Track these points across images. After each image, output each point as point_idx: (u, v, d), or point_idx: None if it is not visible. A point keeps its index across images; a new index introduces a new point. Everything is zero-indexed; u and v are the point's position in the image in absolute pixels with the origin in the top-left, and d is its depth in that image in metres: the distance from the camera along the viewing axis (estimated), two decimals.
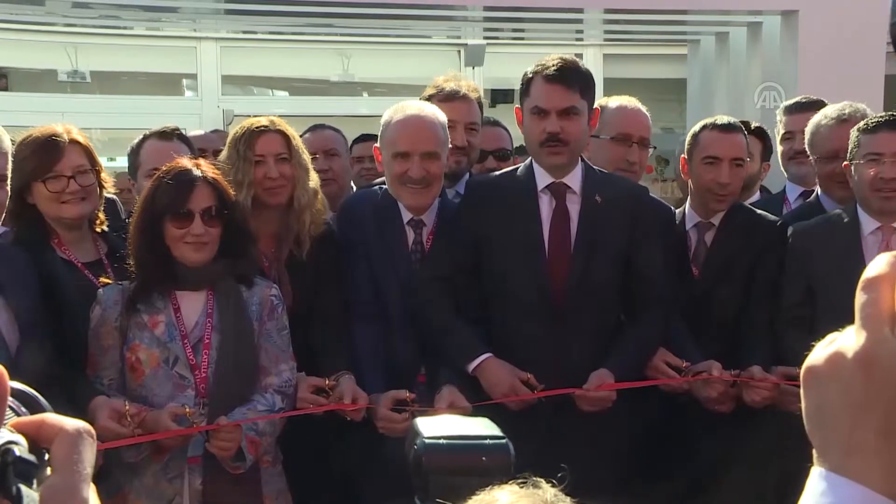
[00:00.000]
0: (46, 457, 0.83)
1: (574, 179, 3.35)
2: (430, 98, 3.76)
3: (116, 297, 2.99)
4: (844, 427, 0.76)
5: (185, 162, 3.08)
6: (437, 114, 3.43)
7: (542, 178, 3.35)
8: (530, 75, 3.35)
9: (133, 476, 2.95)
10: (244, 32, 9.35)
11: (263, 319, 3.10)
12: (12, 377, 2.82)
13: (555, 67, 3.29)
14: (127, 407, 2.82)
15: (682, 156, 3.84)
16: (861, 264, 3.45)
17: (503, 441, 1.50)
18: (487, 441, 1.50)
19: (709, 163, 3.66)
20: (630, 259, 3.39)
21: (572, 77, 3.29)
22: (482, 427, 1.55)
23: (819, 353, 0.79)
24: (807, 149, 4.07)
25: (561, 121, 3.27)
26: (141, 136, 4.01)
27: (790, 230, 3.64)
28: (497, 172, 3.63)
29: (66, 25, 8.68)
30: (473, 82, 4.15)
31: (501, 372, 3.24)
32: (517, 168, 3.49)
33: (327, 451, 3.33)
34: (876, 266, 0.77)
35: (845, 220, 3.60)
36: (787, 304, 3.57)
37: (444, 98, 3.77)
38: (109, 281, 3.06)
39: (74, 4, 7.70)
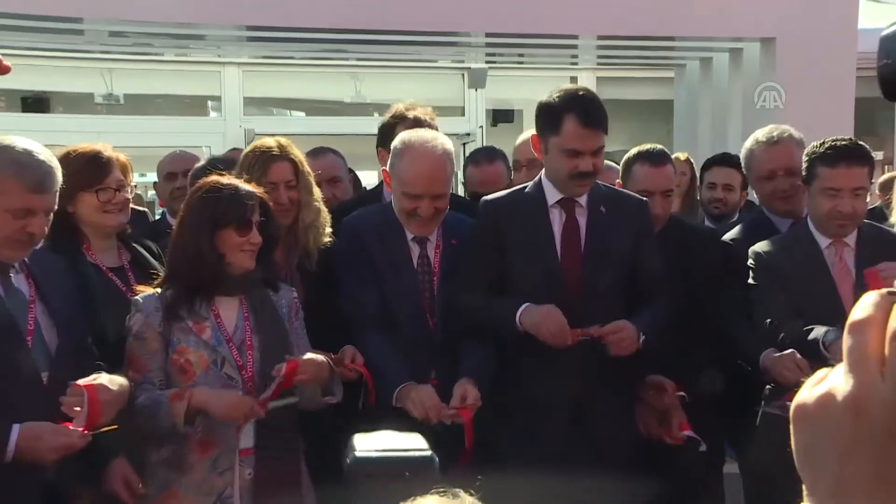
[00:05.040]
0: None
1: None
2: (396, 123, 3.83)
3: (156, 303, 2.99)
4: (833, 469, 0.72)
5: (235, 179, 3.10)
6: (446, 146, 3.43)
7: (552, 195, 3.39)
8: (560, 112, 3.28)
9: (180, 474, 2.94)
10: (264, 58, 9.37)
11: (291, 320, 3.15)
12: (53, 378, 2.79)
13: (590, 111, 3.28)
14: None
15: (618, 180, 3.92)
16: (825, 270, 3.39)
17: (428, 454, 1.51)
18: (413, 454, 1.50)
19: (645, 195, 3.70)
20: (635, 263, 3.42)
21: (603, 118, 3.32)
22: (411, 442, 1.56)
23: (810, 391, 0.74)
24: (744, 171, 4.10)
25: (592, 158, 3.29)
26: (202, 166, 4.05)
27: (753, 249, 3.63)
28: (506, 192, 3.59)
29: (103, 52, 8.71)
30: (430, 110, 4.13)
31: (542, 309, 3.23)
32: (525, 187, 3.48)
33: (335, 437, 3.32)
34: (862, 308, 0.72)
35: (801, 237, 3.59)
36: (780, 311, 3.50)
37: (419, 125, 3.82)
38: (145, 289, 3.06)
39: (111, 33, 7.72)
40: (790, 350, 3.28)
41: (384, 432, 1.80)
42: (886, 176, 5.42)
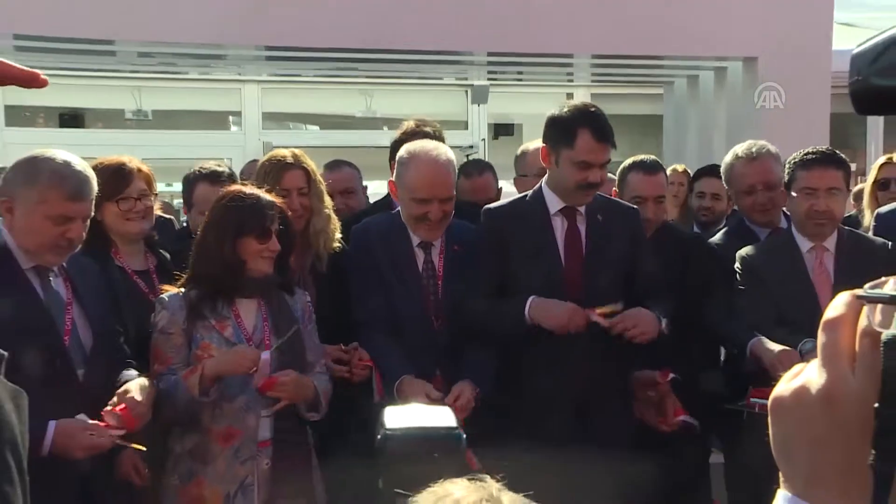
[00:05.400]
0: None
1: None
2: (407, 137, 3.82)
3: (180, 302, 3.02)
4: (807, 459, 0.72)
5: (256, 189, 3.10)
6: (448, 154, 3.44)
7: (554, 204, 3.39)
8: (574, 126, 3.28)
9: (204, 464, 2.95)
10: (282, 75, 9.40)
11: (305, 322, 3.16)
12: (88, 375, 2.78)
13: (602, 127, 3.29)
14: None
15: (614, 189, 3.95)
16: (805, 274, 3.40)
17: (456, 432, 1.47)
18: (442, 432, 1.47)
19: (638, 202, 3.76)
20: (631, 266, 3.44)
21: (612, 134, 3.33)
22: (441, 418, 1.52)
23: (786, 385, 0.75)
24: (724, 184, 4.11)
25: (599, 171, 3.31)
26: (195, 172, 4.03)
27: (740, 254, 3.64)
28: (508, 200, 3.60)
29: (132, 71, 8.75)
30: (438, 125, 4.15)
31: (550, 300, 3.24)
32: (526, 196, 3.48)
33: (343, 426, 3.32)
34: (835, 308, 0.73)
35: (785, 241, 3.60)
36: (764, 317, 3.49)
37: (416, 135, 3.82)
38: (170, 288, 3.07)
39: (140, 54, 7.76)
40: (791, 350, 3.26)
41: (414, 405, 1.79)
42: (859, 186, 5.42)
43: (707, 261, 3.83)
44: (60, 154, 2.82)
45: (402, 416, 1.50)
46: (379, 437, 1.45)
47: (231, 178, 4.01)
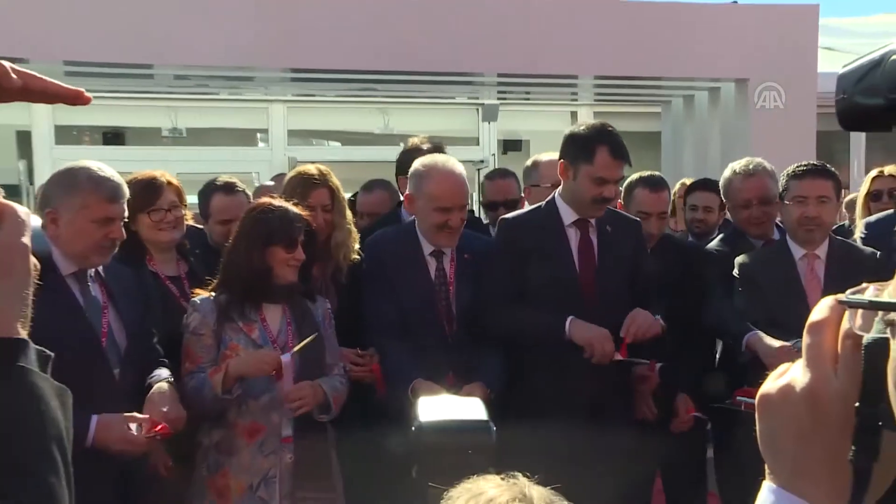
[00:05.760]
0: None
1: None
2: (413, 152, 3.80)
3: (211, 305, 3.01)
4: (791, 453, 0.72)
5: (284, 202, 3.11)
6: (461, 166, 3.44)
7: (568, 216, 3.39)
8: (593, 143, 3.27)
9: (230, 456, 2.96)
10: (305, 95, 9.43)
11: (325, 327, 3.15)
12: (123, 374, 2.78)
13: (619, 145, 3.30)
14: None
15: (619, 201, 3.95)
16: (797, 280, 3.39)
17: (486, 424, 1.45)
18: (473, 424, 1.45)
19: (643, 216, 3.76)
20: (635, 273, 3.45)
21: (626, 151, 3.32)
22: (472, 411, 1.50)
23: (773, 383, 0.75)
24: (723, 198, 4.10)
25: (614, 186, 3.32)
26: (211, 185, 4.03)
27: (738, 260, 3.64)
28: (523, 211, 3.57)
29: (168, 93, 8.79)
30: (440, 142, 4.11)
31: (595, 329, 3.23)
32: (540, 207, 3.47)
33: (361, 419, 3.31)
34: (819, 311, 0.73)
35: (780, 249, 3.60)
36: (758, 319, 3.50)
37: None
38: (202, 292, 3.08)
39: (175, 77, 7.81)
40: (792, 344, 3.23)
41: (446, 396, 1.76)
42: (851, 196, 5.39)
43: (705, 265, 3.83)
44: (92, 163, 2.86)
45: (435, 409, 1.48)
46: (413, 428, 1.43)
47: (242, 190, 4.03)
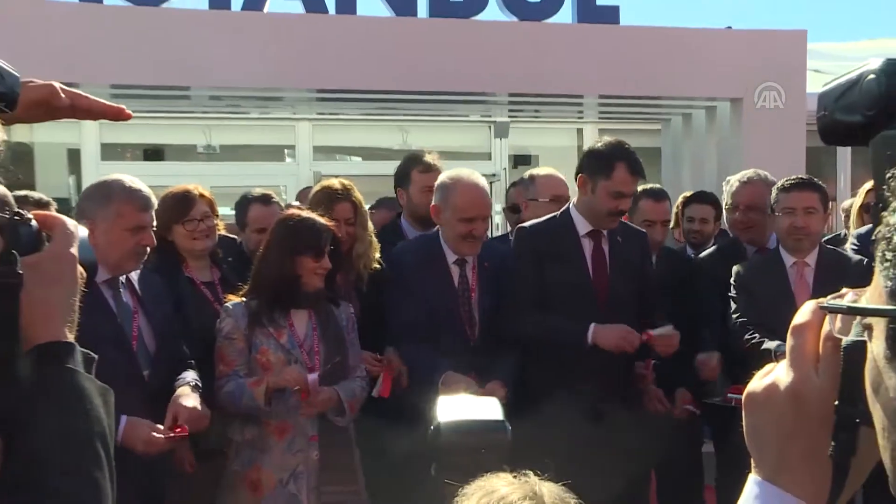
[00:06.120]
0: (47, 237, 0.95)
1: None
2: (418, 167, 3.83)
3: (243, 311, 3.03)
4: (775, 447, 0.72)
5: (313, 214, 3.12)
6: (484, 181, 3.46)
7: (583, 226, 3.40)
8: (612, 159, 3.26)
9: (262, 453, 2.96)
10: (330, 114, 9.45)
11: (348, 331, 3.13)
12: (152, 374, 2.80)
13: (637, 162, 3.30)
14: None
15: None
16: (787, 287, 3.44)
17: (502, 423, 1.44)
18: (489, 423, 1.45)
19: (648, 225, 3.85)
20: (642, 280, 3.49)
21: (642, 167, 3.34)
22: (489, 411, 1.48)
23: (758, 382, 0.75)
24: (724, 204, 4.18)
25: (628, 200, 3.36)
26: (248, 196, 4.07)
27: (734, 269, 3.70)
28: (539, 220, 3.56)
29: (203, 112, 8.84)
30: (437, 155, 4.11)
31: (610, 329, 3.24)
32: (555, 217, 3.46)
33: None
34: (802, 315, 0.74)
35: (772, 258, 3.63)
36: (743, 320, 3.54)
37: (428, 168, 3.83)
38: (235, 298, 3.09)
39: (210, 97, 7.88)
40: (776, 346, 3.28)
41: (464, 396, 1.75)
42: (848, 201, 5.34)
43: (695, 274, 3.88)
44: (124, 176, 2.89)
45: (454, 408, 1.47)
46: (432, 427, 1.43)
47: (276, 201, 4.10)
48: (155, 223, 2.92)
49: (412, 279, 3.38)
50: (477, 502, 1.07)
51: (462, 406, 1.51)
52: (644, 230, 3.72)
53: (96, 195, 2.85)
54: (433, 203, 3.43)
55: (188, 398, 2.78)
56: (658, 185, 4.20)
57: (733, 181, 4.05)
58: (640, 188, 4.03)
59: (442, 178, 3.43)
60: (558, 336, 3.30)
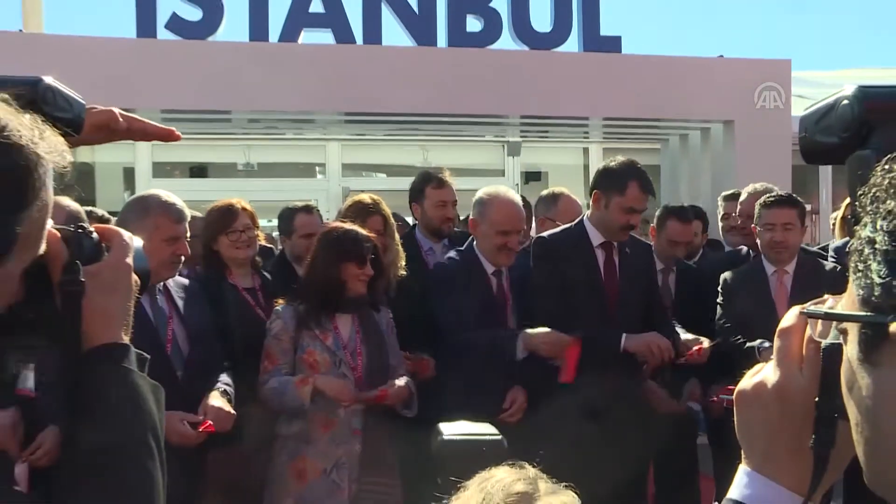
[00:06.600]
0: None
1: None
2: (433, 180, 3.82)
3: (291, 314, 3.01)
4: (763, 440, 0.72)
5: (356, 226, 3.11)
6: (518, 197, 3.46)
7: (596, 238, 3.36)
8: (625, 177, 3.23)
9: (307, 444, 2.96)
10: (357, 135, 9.49)
11: (389, 334, 3.12)
12: (185, 376, 2.79)
13: (648, 180, 3.29)
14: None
15: (652, 225, 3.96)
16: (768, 293, 3.44)
17: (499, 437, 1.50)
18: (487, 438, 1.50)
19: (673, 246, 3.89)
20: (648, 290, 3.47)
21: (653, 185, 3.32)
22: (485, 430, 1.55)
23: (748, 380, 0.75)
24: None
25: (639, 216, 3.34)
26: (292, 207, 4.13)
27: (722, 277, 3.70)
28: (553, 232, 3.52)
29: (243, 133, 8.91)
30: (448, 172, 4.10)
31: (637, 337, 3.21)
32: (570, 228, 3.43)
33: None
34: (787, 319, 0.74)
35: (755, 267, 3.63)
36: (727, 322, 3.53)
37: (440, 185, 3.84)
38: (283, 302, 3.08)
39: (249, 120, 7.94)
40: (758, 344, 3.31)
41: (462, 422, 1.78)
42: (834, 214, 5.30)
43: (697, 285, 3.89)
44: (160, 191, 2.90)
45: (455, 428, 1.53)
46: (438, 443, 1.47)
47: (317, 211, 4.19)
48: (202, 235, 2.93)
49: (457, 289, 3.35)
50: (475, 486, 1.08)
51: (462, 427, 1.56)
52: (651, 244, 3.76)
53: (135, 208, 2.85)
54: (471, 217, 3.42)
55: (216, 399, 2.78)
56: (686, 206, 4.15)
57: (724, 193, 4.11)
58: (668, 207, 4.03)
59: (479, 194, 3.43)
60: (590, 343, 3.22)
